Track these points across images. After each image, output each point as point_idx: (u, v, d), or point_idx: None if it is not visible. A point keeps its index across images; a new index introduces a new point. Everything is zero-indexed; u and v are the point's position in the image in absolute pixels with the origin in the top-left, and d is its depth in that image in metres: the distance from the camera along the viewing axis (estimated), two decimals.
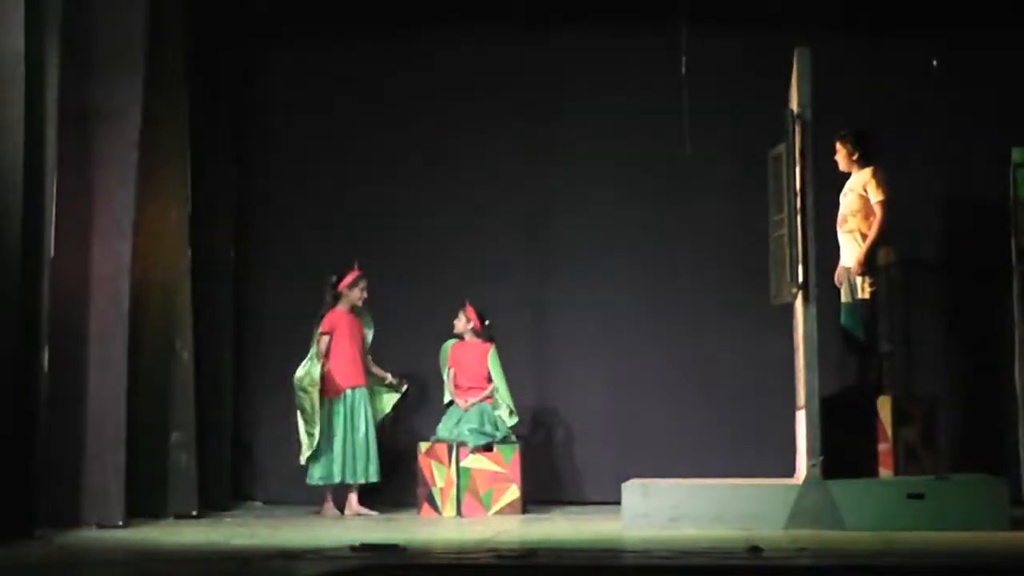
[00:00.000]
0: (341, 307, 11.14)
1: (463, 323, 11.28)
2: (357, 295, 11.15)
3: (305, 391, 10.90)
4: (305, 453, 10.91)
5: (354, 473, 10.95)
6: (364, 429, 11.00)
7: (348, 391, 11.03)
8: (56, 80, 9.46)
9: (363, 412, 11.03)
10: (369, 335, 11.25)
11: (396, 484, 11.37)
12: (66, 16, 9.61)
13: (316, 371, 10.93)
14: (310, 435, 10.89)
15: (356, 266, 11.15)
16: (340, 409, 11.00)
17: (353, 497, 11.01)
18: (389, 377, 11.22)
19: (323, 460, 10.94)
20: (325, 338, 11.05)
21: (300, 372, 10.95)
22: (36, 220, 9.27)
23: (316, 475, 10.99)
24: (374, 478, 10.99)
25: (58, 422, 9.61)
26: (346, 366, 11.05)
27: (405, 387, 11.24)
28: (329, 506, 10.99)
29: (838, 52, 11.03)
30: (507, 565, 7.61)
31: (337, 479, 10.96)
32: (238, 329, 11.82)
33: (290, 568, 7.65)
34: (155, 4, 10.28)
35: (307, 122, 12.07)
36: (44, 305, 9.37)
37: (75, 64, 9.79)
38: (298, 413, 10.90)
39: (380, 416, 11.20)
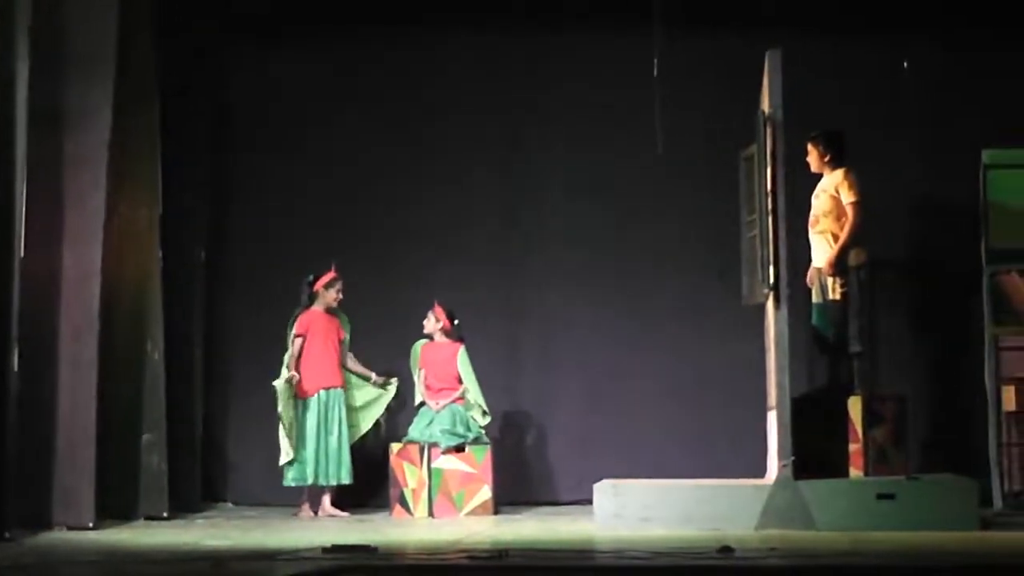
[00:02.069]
0: (316, 308, 11.13)
1: (432, 323, 11.28)
2: (333, 296, 11.14)
3: (279, 394, 10.92)
4: (283, 457, 10.92)
5: (326, 475, 10.94)
6: (337, 432, 10.98)
7: (321, 393, 11.02)
8: (26, 81, 9.44)
9: (337, 414, 11.01)
10: (347, 335, 11.25)
11: (368, 485, 11.35)
12: (36, 18, 9.58)
13: (285, 373, 10.96)
14: (288, 437, 10.92)
15: (333, 267, 11.15)
16: (313, 411, 10.98)
17: (327, 499, 11.00)
18: (373, 376, 11.21)
19: (296, 462, 10.94)
20: (298, 340, 11.05)
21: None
22: (6, 221, 9.27)
23: (289, 476, 11.00)
24: (346, 480, 10.99)
25: (28, 423, 9.59)
26: (319, 368, 11.04)
27: (394, 384, 11.23)
28: (306, 507, 10.98)
29: (809, 54, 11.05)
30: (479, 566, 7.62)
31: (310, 480, 10.95)
32: (209, 330, 11.78)
33: (262, 569, 7.65)
34: (126, 5, 10.25)
35: (279, 122, 12.04)
36: (14, 306, 9.35)
37: (45, 66, 9.77)
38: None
39: (373, 421, 11.22)
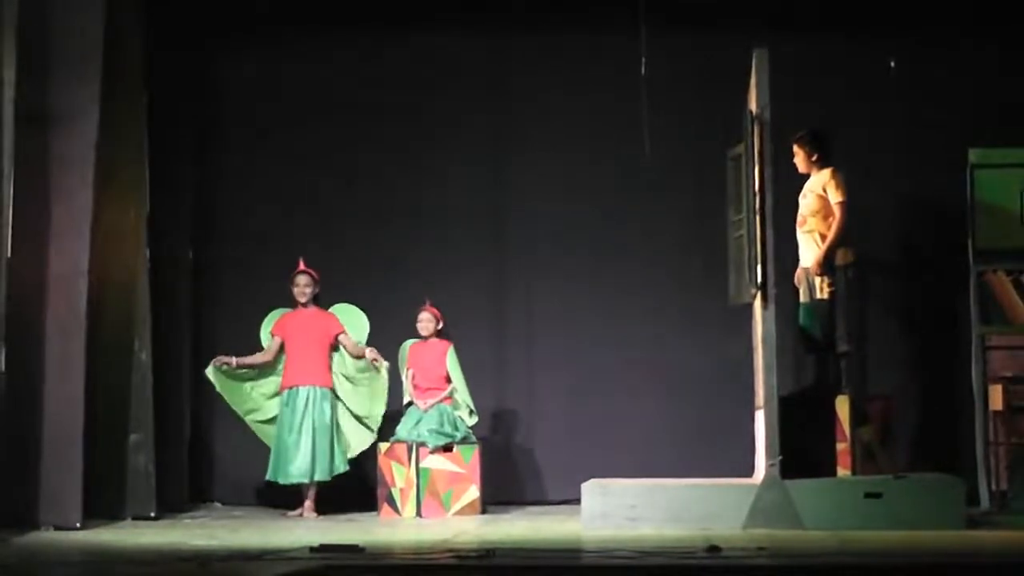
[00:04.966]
0: (299, 307, 11.11)
1: (432, 323, 11.22)
2: (298, 292, 11.09)
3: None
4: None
5: (287, 474, 10.88)
6: (310, 430, 10.88)
7: (286, 392, 10.97)
8: (13, 81, 9.44)
9: (308, 413, 10.91)
10: (353, 333, 11.11)
11: (356, 484, 11.35)
12: (23, 18, 9.58)
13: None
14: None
15: (299, 262, 11.10)
16: (283, 408, 10.95)
17: (308, 500, 10.94)
18: (367, 353, 10.96)
19: (271, 457, 10.92)
20: (275, 340, 11.07)
21: None
22: None
23: (268, 471, 10.99)
24: (319, 476, 10.86)
25: (15, 423, 9.59)
26: (289, 366, 11.02)
27: (384, 369, 10.95)
28: (302, 507, 10.96)
29: (795, 53, 11.05)
30: (467, 566, 7.61)
31: (268, 476, 10.93)
32: (196, 329, 11.78)
33: (249, 569, 7.64)
34: (114, 5, 10.25)
35: (266, 122, 12.04)
36: (1, 306, 9.35)
37: (33, 65, 9.77)
38: None
39: (380, 413, 11.03)
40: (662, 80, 11.12)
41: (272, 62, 12.04)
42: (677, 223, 11.75)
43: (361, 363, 11.05)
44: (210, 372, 10.92)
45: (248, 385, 11.05)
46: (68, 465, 9.79)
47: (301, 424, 10.88)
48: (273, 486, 11.07)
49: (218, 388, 10.97)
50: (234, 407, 11.03)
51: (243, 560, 7.92)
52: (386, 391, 10.98)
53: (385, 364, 10.95)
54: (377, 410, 11.01)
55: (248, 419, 11.05)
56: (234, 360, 10.97)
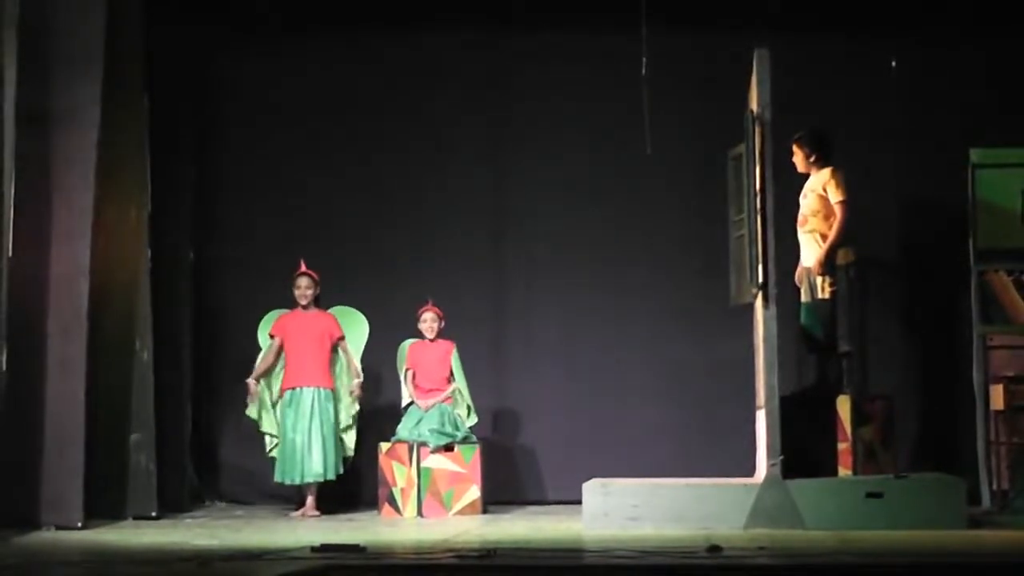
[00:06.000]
0: (298, 308, 11.11)
1: (437, 323, 11.22)
2: (299, 294, 11.09)
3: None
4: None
5: (282, 473, 10.89)
6: (306, 431, 10.83)
7: (287, 392, 10.96)
8: (14, 81, 9.44)
9: (315, 413, 10.90)
10: (352, 337, 11.15)
11: (356, 484, 11.35)
12: (24, 18, 9.58)
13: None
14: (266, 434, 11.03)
15: (300, 264, 11.11)
16: (285, 409, 10.94)
17: (309, 498, 10.94)
18: (355, 382, 11.02)
19: (278, 459, 10.92)
20: (270, 341, 11.05)
21: None
22: None
23: (276, 473, 10.98)
24: (330, 476, 10.87)
25: (16, 423, 9.59)
26: (288, 368, 11.01)
27: (355, 405, 11.07)
28: (303, 506, 10.96)
29: (795, 53, 11.06)
30: (467, 565, 7.62)
31: (276, 478, 10.93)
32: (198, 329, 11.78)
33: (251, 569, 7.64)
34: (113, 6, 10.25)
35: (267, 122, 12.03)
36: (3, 305, 9.35)
37: (34, 66, 9.77)
38: None
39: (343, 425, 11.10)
40: (662, 80, 11.10)
41: (272, 62, 12.04)
42: (677, 223, 11.75)
43: (352, 382, 11.07)
44: (251, 412, 10.97)
45: (270, 408, 11.06)
46: (69, 465, 9.79)
47: (309, 425, 10.86)
48: (273, 485, 11.06)
49: (258, 421, 10.99)
50: (272, 439, 11.04)
51: (244, 560, 7.92)
52: (353, 420, 11.07)
53: (356, 404, 11.02)
54: (350, 432, 11.09)
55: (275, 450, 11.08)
56: (252, 382, 10.96)
